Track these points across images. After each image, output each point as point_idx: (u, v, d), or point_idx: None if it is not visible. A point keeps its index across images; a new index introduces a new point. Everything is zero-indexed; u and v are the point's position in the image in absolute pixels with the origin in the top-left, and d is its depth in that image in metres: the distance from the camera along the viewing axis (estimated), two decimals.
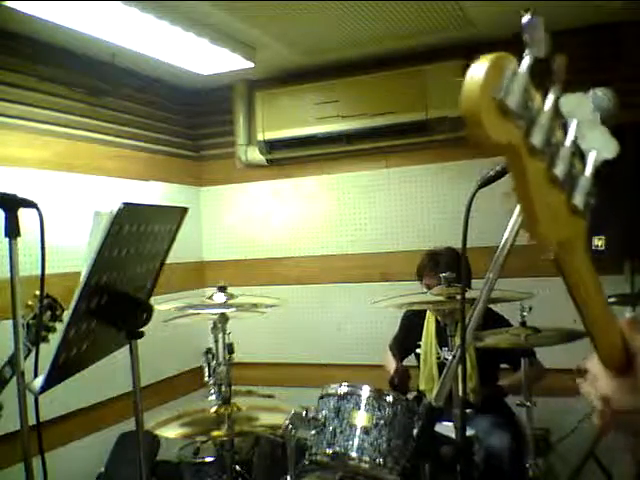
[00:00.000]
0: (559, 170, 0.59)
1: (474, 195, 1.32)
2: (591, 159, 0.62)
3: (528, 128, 0.56)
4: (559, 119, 0.60)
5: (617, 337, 0.72)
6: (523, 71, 0.55)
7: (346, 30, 3.33)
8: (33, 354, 1.72)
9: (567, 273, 0.67)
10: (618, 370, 0.71)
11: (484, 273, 1.39)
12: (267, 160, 4.17)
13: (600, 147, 0.63)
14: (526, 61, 0.56)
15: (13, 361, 1.94)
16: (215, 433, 2.45)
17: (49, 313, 2.04)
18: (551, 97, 0.58)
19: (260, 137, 4.02)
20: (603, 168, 0.63)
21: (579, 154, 0.62)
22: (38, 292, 1.99)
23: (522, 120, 0.56)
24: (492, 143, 0.54)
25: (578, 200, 0.61)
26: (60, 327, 1.95)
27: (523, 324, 2.52)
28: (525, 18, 0.57)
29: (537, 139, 0.57)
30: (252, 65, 3.61)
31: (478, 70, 0.54)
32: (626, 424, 0.73)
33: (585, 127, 0.62)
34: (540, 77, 0.59)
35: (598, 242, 2.92)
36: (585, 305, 0.69)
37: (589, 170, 0.62)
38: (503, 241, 1.35)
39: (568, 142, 0.60)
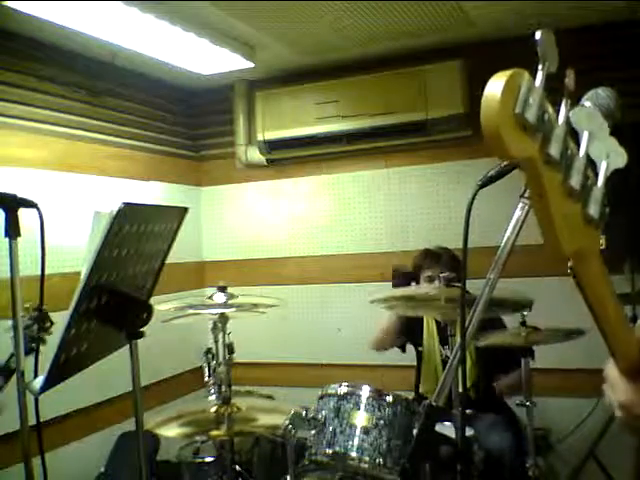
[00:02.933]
0: (574, 181, 0.60)
1: (475, 195, 1.32)
2: (603, 169, 0.63)
3: (545, 140, 0.57)
4: (571, 131, 0.61)
5: (634, 346, 0.71)
6: (539, 85, 0.56)
7: (346, 30, 3.33)
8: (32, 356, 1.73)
9: (583, 284, 0.67)
10: (634, 376, 0.71)
11: (484, 273, 1.39)
12: (267, 160, 4.17)
13: (611, 157, 0.63)
14: (541, 76, 0.56)
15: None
16: (215, 433, 2.44)
17: (36, 326, 2.01)
18: (564, 110, 0.59)
19: (260, 137, 4.01)
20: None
21: (590, 165, 0.62)
22: (28, 304, 1.96)
23: (539, 133, 0.56)
24: (512, 157, 0.54)
25: (593, 210, 0.62)
26: (49, 338, 1.95)
27: (523, 324, 2.53)
28: (538, 34, 0.57)
29: (554, 150, 0.57)
30: (252, 65, 3.61)
31: (495, 87, 0.54)
32: None
33: (596, 138, 0.62)
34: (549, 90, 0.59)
35: None
36: (601, 315, 0.69)
37: (601, 180, 0.62)
38: (504, 241, 1.35)
39: (582, 153, 0.61)
